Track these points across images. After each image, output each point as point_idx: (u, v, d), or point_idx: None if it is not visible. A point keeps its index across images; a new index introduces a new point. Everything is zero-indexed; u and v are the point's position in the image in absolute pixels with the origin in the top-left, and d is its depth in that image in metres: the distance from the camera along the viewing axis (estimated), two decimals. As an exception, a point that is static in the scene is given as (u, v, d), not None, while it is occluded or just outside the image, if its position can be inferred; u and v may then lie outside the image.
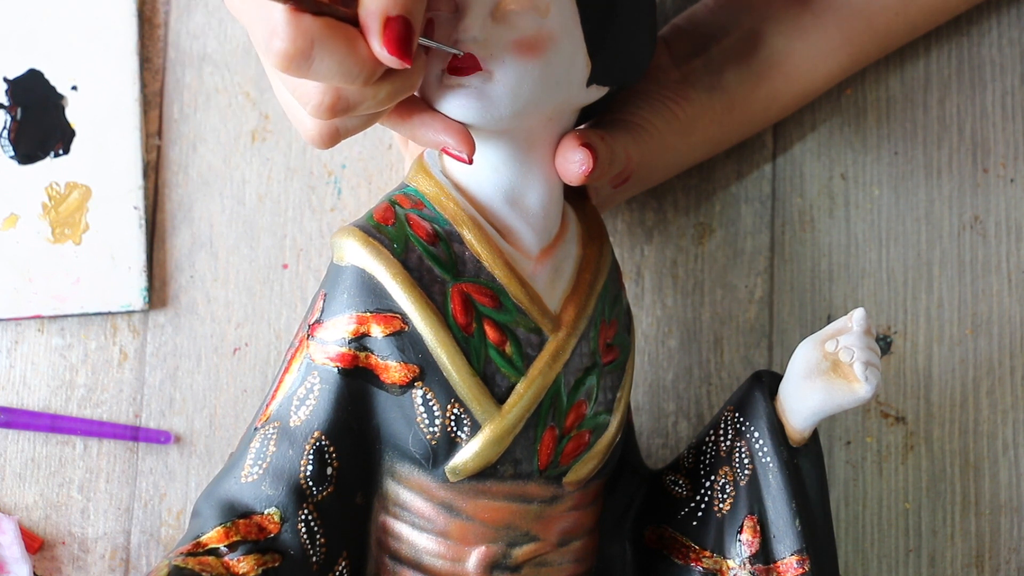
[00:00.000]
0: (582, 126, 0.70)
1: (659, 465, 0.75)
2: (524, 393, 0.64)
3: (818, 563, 0.68)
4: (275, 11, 0.56)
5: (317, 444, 0.64)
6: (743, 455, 0.68)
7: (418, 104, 0.63)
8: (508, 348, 0.64)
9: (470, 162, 0.63)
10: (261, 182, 0.82)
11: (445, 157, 0.67)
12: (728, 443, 0.69)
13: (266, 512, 0.63)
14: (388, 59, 0.57)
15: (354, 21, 0.57)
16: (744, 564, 0.68)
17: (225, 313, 0.80)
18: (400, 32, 0.57)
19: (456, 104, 0.63)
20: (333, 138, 0.62)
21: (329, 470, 0.64)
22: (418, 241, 0.64)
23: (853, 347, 0.65)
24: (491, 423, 0.64)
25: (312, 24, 0.56)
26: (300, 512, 0.63)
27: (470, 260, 0.65)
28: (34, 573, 0.77)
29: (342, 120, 0.61)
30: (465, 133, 0.63)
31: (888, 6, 0.77)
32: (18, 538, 0.76)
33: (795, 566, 0.67)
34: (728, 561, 0.68)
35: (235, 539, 0.63)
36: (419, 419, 0.64)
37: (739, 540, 0.68)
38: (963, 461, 0.80)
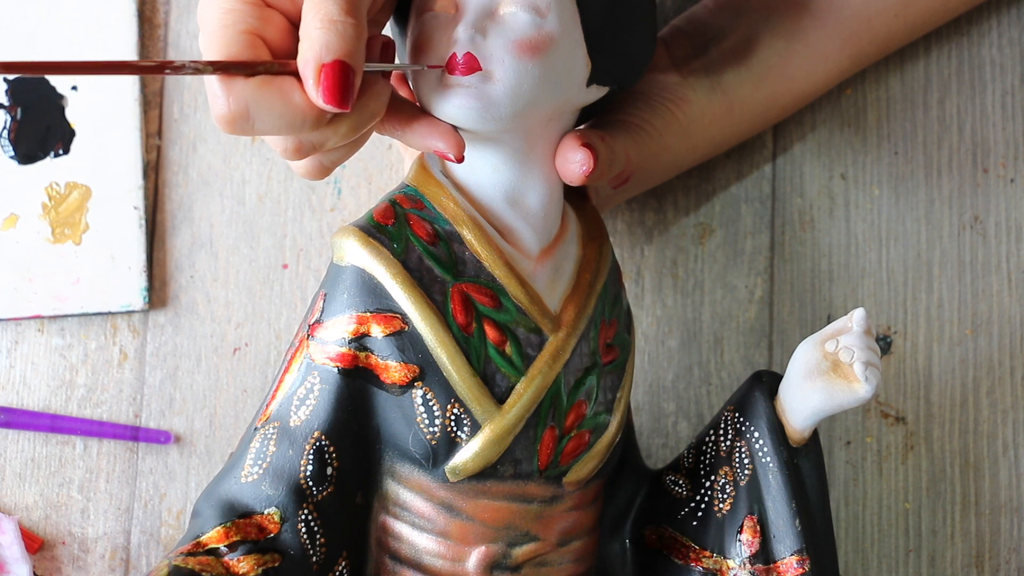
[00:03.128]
0: (582, 126, 0.70)
1: (659, 465, 0.75)
2: (524, 393, 0.64)
3: (818, 563, 0.68)
4: (210, 81, 0.57)
5: (317, 444, 0.64)
6: (743, 455, 0.68)
7: (405, 109, 0.64)
8: (508, 348, 0.64)
9: (460, 161, 0.63)
10: (261, 182, 0.82)
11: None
12: (728, 443, 0.69)
13: (266, 512, 0.63)
14: (326, 107, 0.58)
15: (293, 72, 0.58)
16: (744, 564, 0.68)
17: (225, 313, 0.80)
18: (336, 79, 0.57)
19: (456, 104, 0.63)
20: (321, 171, 0.64)
21: (329, 470, 0.64)
22: (418, 241, 0.64)
23: (853, 347, 0.65)
24: (491, 423, 0.64)
25: (244, 87, 0.57)
26: (300, 512, 0.63)
27: (470, 260, 0.65)
28: (34, 573, 0.77)
29: (323, 155, 0.62)
30: (453, 133, 0.63)
31: (887, 8, 0.77)
32: (18, 538, 0.76)
33: (795, 566, 0.67)
34: (728, 561, 0.68)
35: (235, 539, 0.63)
36: (419, 419, 0.64)
37: (739, 540, 0.68)
38: (963, 461, 0.80)
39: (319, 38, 0.57)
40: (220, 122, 0.58)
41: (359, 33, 0.58)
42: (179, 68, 0.55)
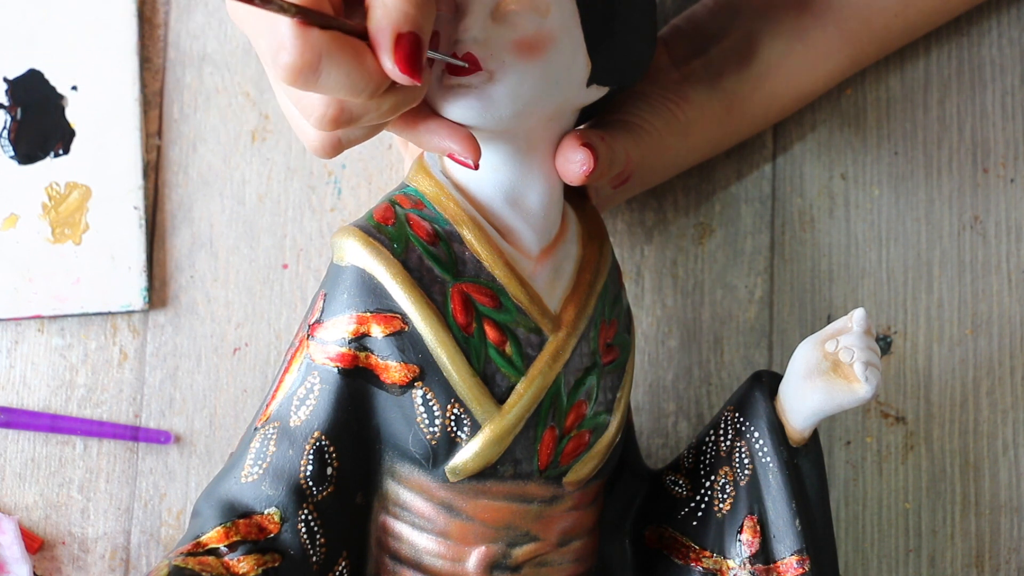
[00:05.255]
0: (582, 126, 0.70)
1: (659, 465, 0.75)
2: (524, 393, 0.64)
3: (818, 563, 0.68)
4: (283, 25, 0.55)
5: (317, 444, 0.64)
6: (743, 455, 0.68)
7: (423, 110, 0.63)
8: (508, 348, 0.64)
9: (476, 167, 0.63)
10: (261, 182, 0.82)
11: (445, 157, 0.67)
12: (728, 443, 0.69)
13: (266, 512, 0.64)
14: (399, 77, 0.56)
15: (362, 34, 0.57)
16: (744, 564, 0.68)
17: (225, 313, 0.80)
18: (411, 49, 0.56)
19: (456, 104, 0.63)
20: (336, 148, 0.62)
21: (329, 470, 0.64)
22: (418, 241, 0.64)
23: (853, 347, 0.65)
24: (491, 423, 0.64)
25: (320, 38, 0.55)
26: (300, 512, 0.63)
27: (470, 260, 0.65)
28: (34, 573, 0.77)
29: (345, 131, 0.61)
30: (470, 138, 0.62)
31: (887, 8, 0.77)
32: (18, 538, 0.76)
33: (795, 566, 0.67)
34: (728, 561, 0.68)
35: (235, 539, 0.63)
36: (419, 419, 0.64)
37: (739, 540, 0.68)
38: (963, 461, 0.80)
39: (396, 7, 0.56)
40: (286, 70, 0.55)
41: (431, 9, 0.57)
42: (267, 2, 0.53)
